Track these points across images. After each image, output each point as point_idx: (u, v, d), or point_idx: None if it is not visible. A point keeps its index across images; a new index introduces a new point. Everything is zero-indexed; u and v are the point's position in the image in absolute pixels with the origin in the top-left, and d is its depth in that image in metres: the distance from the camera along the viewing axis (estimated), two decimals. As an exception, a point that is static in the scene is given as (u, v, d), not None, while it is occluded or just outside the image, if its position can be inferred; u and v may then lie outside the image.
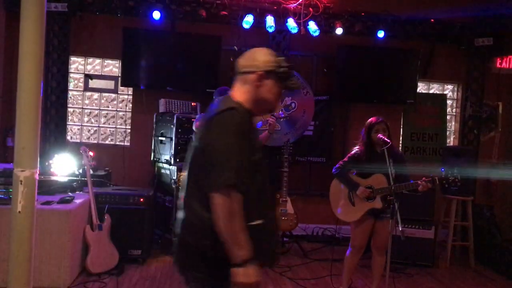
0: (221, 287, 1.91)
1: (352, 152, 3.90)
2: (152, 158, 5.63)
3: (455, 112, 6.80)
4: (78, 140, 6.06)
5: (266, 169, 2.05)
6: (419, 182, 3.59)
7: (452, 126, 6.84)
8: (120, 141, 6.15)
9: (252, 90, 1.98)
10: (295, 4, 5.56)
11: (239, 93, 2.00)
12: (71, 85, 6.01)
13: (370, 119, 3.83)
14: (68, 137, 5.96)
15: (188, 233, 1.93)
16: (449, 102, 6.74)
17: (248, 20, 5.52)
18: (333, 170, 3.90)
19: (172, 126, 5.13)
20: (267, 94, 1.99)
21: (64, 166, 4.79)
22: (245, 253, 1.80)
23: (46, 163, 4.76)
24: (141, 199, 4.63)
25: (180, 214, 1.99)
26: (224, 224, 1.77)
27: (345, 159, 3.90)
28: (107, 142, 6.19)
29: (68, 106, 5.91)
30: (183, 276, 2.00)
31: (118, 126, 6.19)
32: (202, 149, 1.89)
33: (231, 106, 1.90)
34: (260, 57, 2.00)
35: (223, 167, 1.77)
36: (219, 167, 1.78)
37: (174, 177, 5.04)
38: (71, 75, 6.00)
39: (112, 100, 6.19)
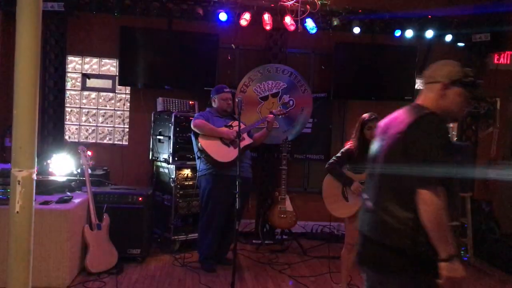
0: (423, 284, 1.98)
1: (345, 147, 3.91)
2: (150, 157, 5.63)
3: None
4: (76, 140, 6.05)
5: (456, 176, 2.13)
6: None
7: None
8: (118, 140, 6.14)
9: (437, 99, 2.08)
10: (292, 2, 5.55)
11: (426, 102, 2.11)
12: (68, 85, 5.99)
13: (363, 115, 3.84)
14: (66, 137, 5.95)
15: (385, 235, 2.01)
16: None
17: (246, 18, 5.51)
18: (327, 166, 3.91)
19: (170, 124, 5.13)
20: (450, 104, 2.08)
21: (62, 165, 4.78)
22: (451, 248, 1.87)
23: (44, 163, 4.75)
24: (140, 198, 4.62)
25: (372, 217, 2.09)
26: (433, 219, 1.85)
27: (339, 154, 3.90)
28: (105, 141, 6.17)
29: (66, 105, 5.90)
30: (377, 278, 2.09)
31: (116, 125, 6.18)
32: (401, 152, 1.98)
33: (430, 111, 2.02)
34: (444, 67, 2.12)
35: (430, 164, 1.86)
36: (426, 164, 1.87)
37: (173, 176, 5.04)
38: (69, 74, 5.98)
39: (110, 99, 6.17)
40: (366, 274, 2.18)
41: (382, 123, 2.27)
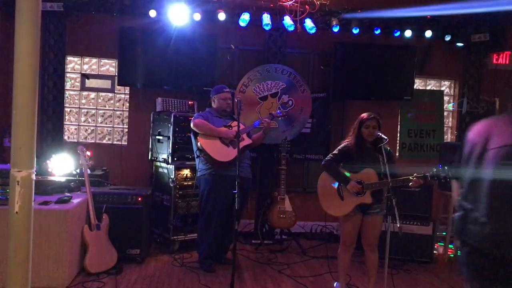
0: None
1: (342, 145, 3.89)
2: (149, 157, 5.63)
3: (452, 108, 6.81)
4: (76, 140, 6.05)
5: None
6: (410, 178, 3.60)
7: (449, 122, 6.86)
8: (118, 140, 6.14)
9: None
10: (291, 2, 5.55)
11: None
12: (67, 85, 5.99)
13: (362, 115, 3.84)
14: (65, 137, 5.95)
15: (506, 249, 1.97)
16: (446, 98, 6.75)
17: (245, 18, 5.51)
18: (323, 162, 3.90)
19: (169, 125, 5.13)
20: None
21: (61, 166, 4.78)
22: None
23: (44, 163, 4.75)
24: (139, 198, 4.62)
25: (484, 229, 2.03)
26: None
27: (335, 151, 3.88)
28: (104, 141, 6.18)
29: (65, 106, 5.90)
30: None
31: (115, 126, 6.18)
32: None
33: None
34: None
35: None
36: None
37: (172, 176, 5.04)
38: (68, 74, 5.98)
39: (109, 99, 6.18)
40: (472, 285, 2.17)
41: (478, 130, 2.22)
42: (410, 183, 3.60)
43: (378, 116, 3.81)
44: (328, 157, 3.88)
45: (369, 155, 3.72)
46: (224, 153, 4.37)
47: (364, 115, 3.81)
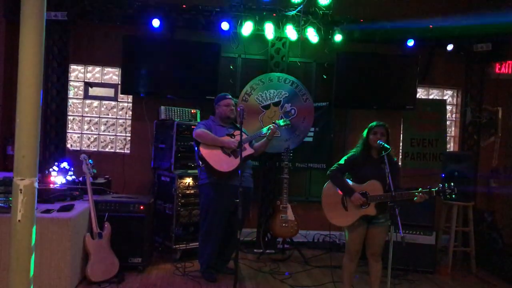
0: None
1: (349, 155, 3.89)
2: (152, 166, 5.63)
3: (455, 117, 6.81)
4: (78, 148, 6.07)
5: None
6: (416, 193, 3.58)
7: (452, 131, 6.85)
8: (120, 148, 6.15)
9: None
10: (294, 11, 5.58)
11: None
12: (71, 93, 6.02)
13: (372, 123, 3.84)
14: (68, 145, 5.96)
15: None
16: (448, 107, 6.75)
17: (247, 27, 5.54)
18: (328, 172, 3.88)
19: (172, 133, 5.14)
20: None
21: (64, 174, 4.78)
22: None
23: (46, 171, 4.75)
24: (141, 207, 4.62)
25: None
26: None
27: (341, 162, 3.86)
28: (107, 149, 6.19)
29: (68, 114, 5.92)
30: None
31: (118, 134, 6.19)
32: None
33: None
34: None
35: None
36: None
37: (174, 184, 5.04)
38: (71, 83, 6.01)
39: (112, 107, 6.19)
40: None
41: None
42: (415, 198, 3.58)
43: (387, 124, 3.80)
44: (333, 167, 3.86)
45: (375, 165, 3.70)
46: (225, 163, 4.36)
47: (374, 122, 3.81)
